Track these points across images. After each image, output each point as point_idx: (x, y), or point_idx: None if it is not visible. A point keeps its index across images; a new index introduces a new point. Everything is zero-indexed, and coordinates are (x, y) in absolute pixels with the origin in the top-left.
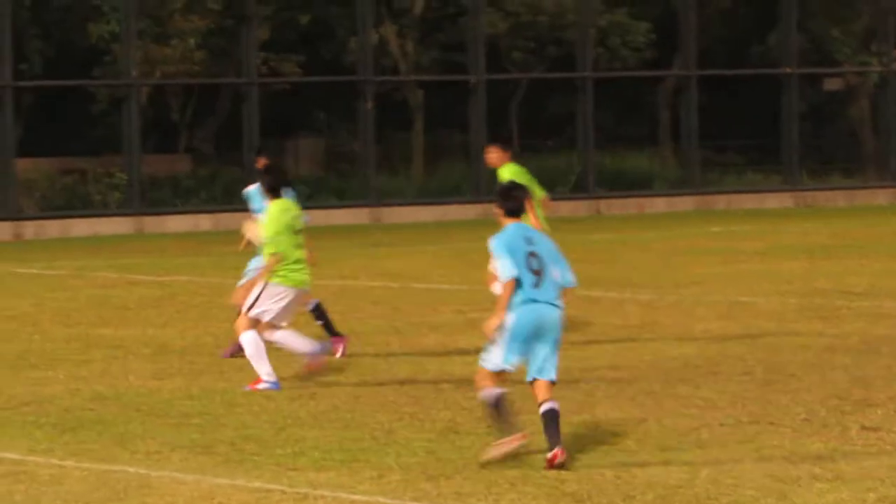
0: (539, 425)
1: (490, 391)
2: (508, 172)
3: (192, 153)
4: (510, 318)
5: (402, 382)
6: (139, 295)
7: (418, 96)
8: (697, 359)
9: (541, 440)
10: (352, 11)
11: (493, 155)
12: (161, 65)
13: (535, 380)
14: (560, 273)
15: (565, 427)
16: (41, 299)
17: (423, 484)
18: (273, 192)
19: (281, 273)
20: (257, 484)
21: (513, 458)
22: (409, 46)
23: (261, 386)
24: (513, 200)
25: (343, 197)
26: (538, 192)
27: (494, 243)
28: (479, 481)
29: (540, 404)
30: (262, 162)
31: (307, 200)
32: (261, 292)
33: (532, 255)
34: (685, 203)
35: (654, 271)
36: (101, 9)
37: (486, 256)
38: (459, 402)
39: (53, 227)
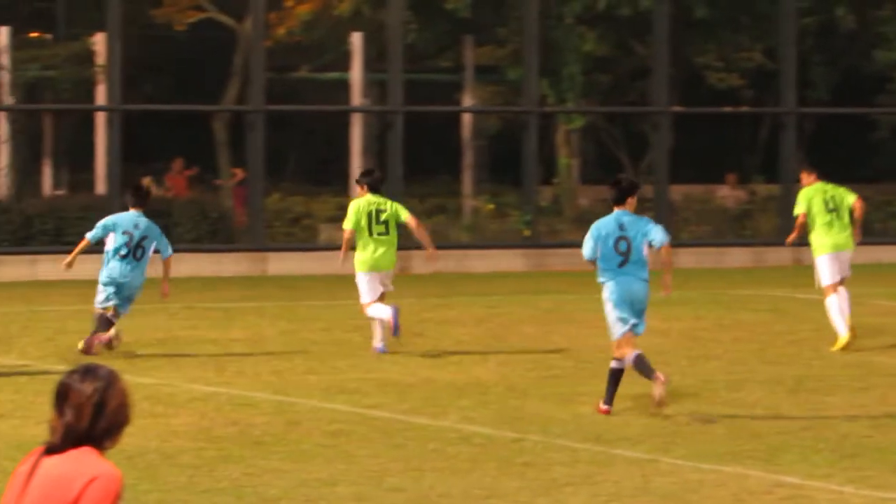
0: None
1: (630, 356)
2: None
3: None
4: (607, 290)
5: None
6: None
7: None
8: None
9: None
10: None
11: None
12: None
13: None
14: (655, 239)
15: None
16: (821, 325)
17: None
18: None
19: None
20: None
21: None
22: None
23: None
24: (617, 191)
25: None
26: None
27: (592, 227)
28: None
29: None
30: None
31: None
32: None
33: (622, 238)
34: None
35: None
36: (886, 35)
37: None
38: None
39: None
